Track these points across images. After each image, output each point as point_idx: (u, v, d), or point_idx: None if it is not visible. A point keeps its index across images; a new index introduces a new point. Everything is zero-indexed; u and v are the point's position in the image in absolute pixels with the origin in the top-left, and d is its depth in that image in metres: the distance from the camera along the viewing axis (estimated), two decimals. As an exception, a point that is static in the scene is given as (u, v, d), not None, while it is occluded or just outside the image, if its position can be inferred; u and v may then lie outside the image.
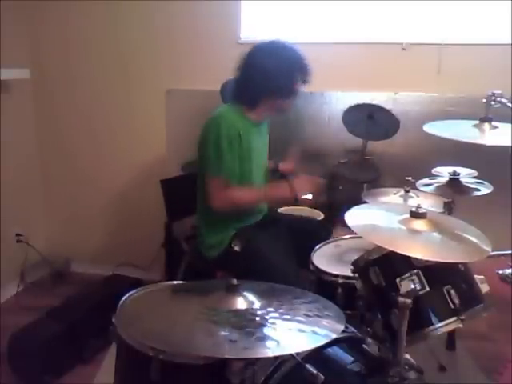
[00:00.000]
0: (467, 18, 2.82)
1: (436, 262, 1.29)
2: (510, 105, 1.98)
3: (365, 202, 2.19)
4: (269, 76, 2.12)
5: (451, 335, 2.29)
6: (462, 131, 1.95)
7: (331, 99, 2.97)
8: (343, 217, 1.44)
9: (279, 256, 2.14)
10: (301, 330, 1.24)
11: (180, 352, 1.23)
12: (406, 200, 2.24)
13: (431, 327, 1.36)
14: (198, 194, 2.28)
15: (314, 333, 1.23)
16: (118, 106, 3.30)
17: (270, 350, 1.16)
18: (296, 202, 2.20)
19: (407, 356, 1.38)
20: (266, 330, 1.22)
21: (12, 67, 3.05)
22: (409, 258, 1.30)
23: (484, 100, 1.96)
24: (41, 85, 3.35)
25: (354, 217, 1.46)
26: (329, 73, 2.74)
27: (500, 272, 2.22)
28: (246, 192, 2.19)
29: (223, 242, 2.21)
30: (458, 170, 2.27)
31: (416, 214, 1.39)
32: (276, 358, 1.37)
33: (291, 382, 1.35)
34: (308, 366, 1.30)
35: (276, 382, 1.35)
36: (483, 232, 1.42)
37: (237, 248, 2.16)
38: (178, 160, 2.98)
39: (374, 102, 2.72)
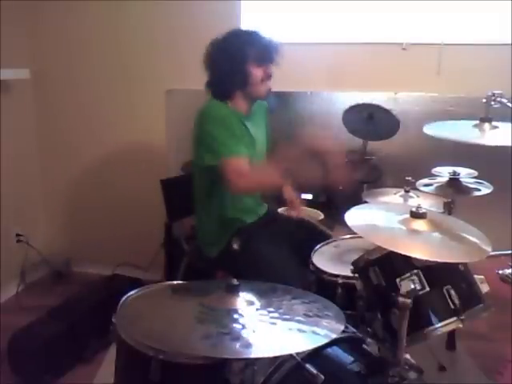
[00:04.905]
0: (467, 17, 2.81)
1: (436, 262, 1.30)
2: (509, 105, 1.98)
3: (365, 202, 2.19)
4: (224, 66, 2.13)
5: (451, 335, 2.29)
6: (462, 131, 1.95)
7: (331, 99, 2.97)
8: (343, 217, 1.44)
9: (279, 255, 2.13)
10: (301, 330, 1.24)
11: (180, 352, 1.23)
12: (406, 200, 2.24)
13: (431, 327, 1.35)
14: (195, 192, 2.28)
15: (314, 333, 1.23)
16: (118, 106, 3.30)
17: (270, 350, 1.17)
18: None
19: (407, 356, 1.38)
20: (266, 330, 1.22)
21: (12, 67, 3.05)
22: (409, 257, 1.29)
23: (484, 100, 1.96)
24: (41, 85, 3.35)
25: (354, 217, 1.46)
26: (329, 73, 2.74)
27: (500, 272, 2.21)
28: (264, 171, 2.05)
29: (223, 241, 2.21)
30: (458, 170, 2.27)
31: (416, 214, 1.38)
32: (276, 358, 1.36)
33: (291, 382, 1.35)
34: (308, 365, 1.29)
35: (276, 382, 1.35)
36: (483, 232, 1.42)
37: (236, 247, 2.16)
38: (177, 160, 2.98)
39: (374, 102, 2.71)
